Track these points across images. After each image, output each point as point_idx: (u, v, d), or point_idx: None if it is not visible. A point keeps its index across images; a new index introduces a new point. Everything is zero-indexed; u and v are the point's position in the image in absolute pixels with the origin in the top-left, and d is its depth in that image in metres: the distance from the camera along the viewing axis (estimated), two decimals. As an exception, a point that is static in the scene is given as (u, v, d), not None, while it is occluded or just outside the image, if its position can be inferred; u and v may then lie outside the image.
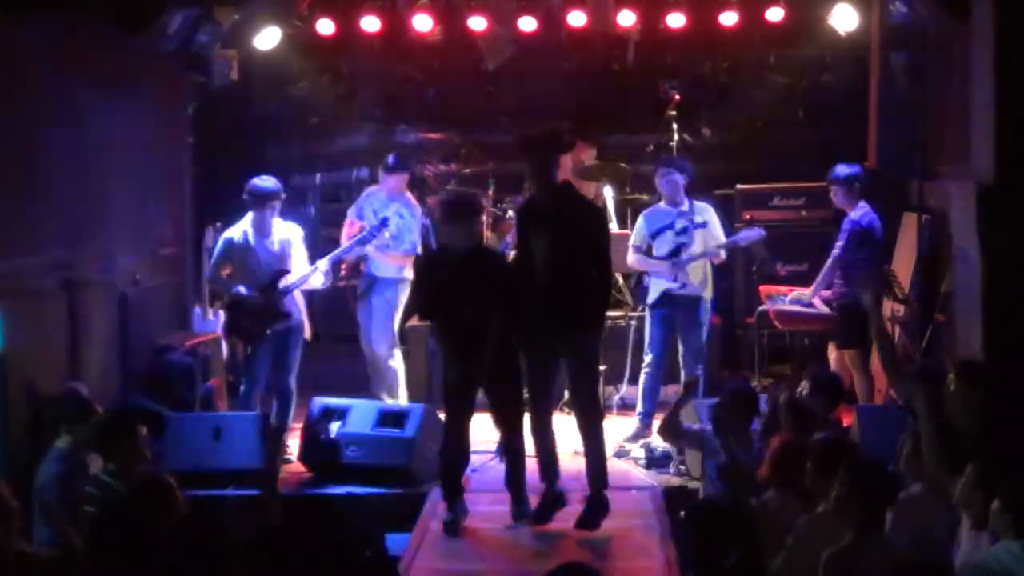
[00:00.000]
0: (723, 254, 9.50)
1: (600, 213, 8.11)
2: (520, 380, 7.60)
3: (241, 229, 8.98)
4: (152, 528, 5.07)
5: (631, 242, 9.44)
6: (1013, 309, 7.28)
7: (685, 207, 9.36)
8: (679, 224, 9.32)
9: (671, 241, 9.32)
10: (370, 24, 11.12)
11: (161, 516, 5.33)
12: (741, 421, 6.99)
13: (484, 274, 7.42)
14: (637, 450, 9.07)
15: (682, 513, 5.27)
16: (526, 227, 7.59)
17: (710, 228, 9.38)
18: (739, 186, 11.46)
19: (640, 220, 9.50)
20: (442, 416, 8.61)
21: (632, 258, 9.42)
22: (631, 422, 9.47)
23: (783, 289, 9.87)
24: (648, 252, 9.38)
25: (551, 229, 7.37)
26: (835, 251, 9.23)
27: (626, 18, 11.08)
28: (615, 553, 7.15)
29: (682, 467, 8.43)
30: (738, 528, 5.29)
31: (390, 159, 9.79)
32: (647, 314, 9.49)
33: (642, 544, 7.24)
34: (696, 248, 9.28)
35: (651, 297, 9.38)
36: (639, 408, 9.42)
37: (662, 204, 9.48)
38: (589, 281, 7.42)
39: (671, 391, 9.60)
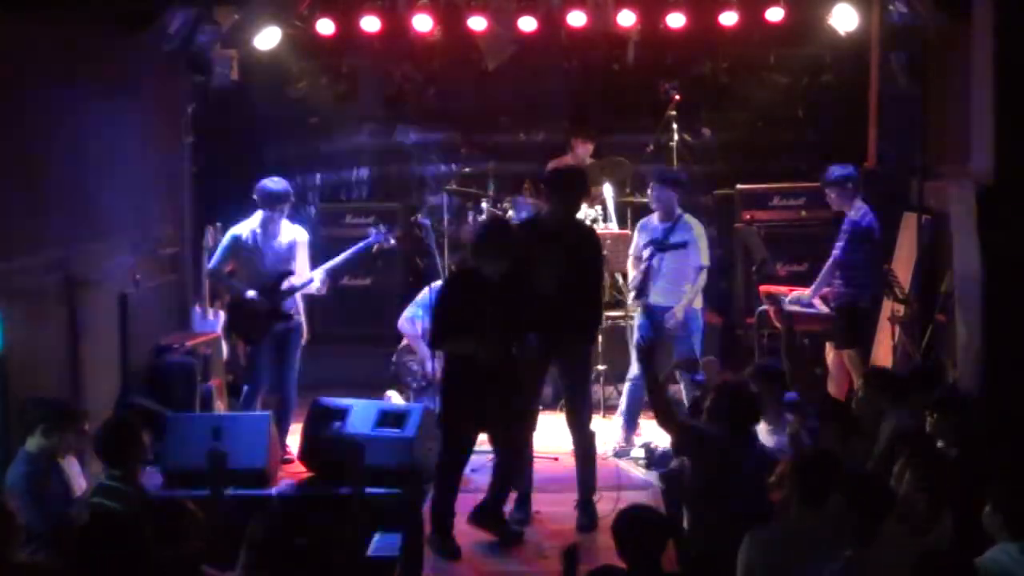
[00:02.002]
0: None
1: (595, 236, 8.39)
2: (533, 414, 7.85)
3: (249, 228, 9.01)
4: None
5: (631, 252, 9.47)
6: (1013, 309, 7.28)
7: (672, 223, 9.26)
8: (658, 241, 9.22)
9: (650, 256, 9.23)
10: (370, 24, 11.11)
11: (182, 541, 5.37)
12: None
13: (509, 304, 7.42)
14: (637, 450, 9.08)
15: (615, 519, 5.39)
16: (532, 246, 7.69)
17: (689, 248, 9.19)
18: (739, 186, 11.48)
19: (636, 231, 9.50)
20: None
21: (632, 262, 9.46)
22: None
23: (783, 289, 9.87)
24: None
25: (560, 251, 7.74)
26: (835, 251, 9.23)
27: (626, 18, 11.07)
28: (614, 553, 7.12)
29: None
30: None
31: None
32: (636, 321, 9.37)
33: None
34: (665, 267, 9.17)
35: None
36: (621, 409, 9.35)
37: (655, 217, 9.38)
38: (586, 297, 7.90)
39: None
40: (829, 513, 5.33)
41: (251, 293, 8.93)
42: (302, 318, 9.24)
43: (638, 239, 9.42)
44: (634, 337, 9.41)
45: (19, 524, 5.52)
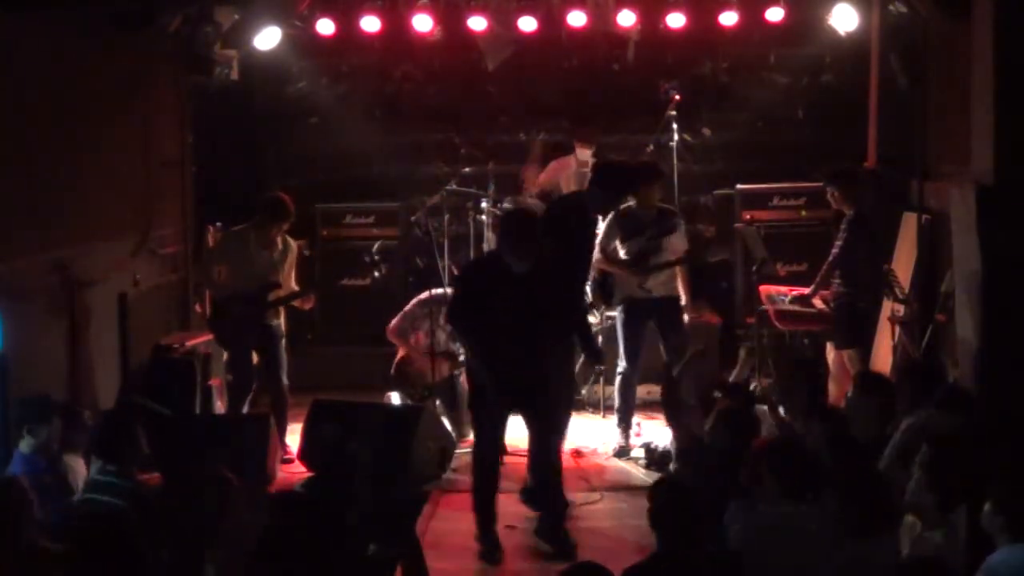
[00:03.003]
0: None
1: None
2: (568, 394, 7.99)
3: (245, 232, 9.00)
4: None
5: (599, 243, 9.16)
6: (1013, 309, 7.28)
7: (654, 213, 9.28)
8: (649, 231, 9.23)
9: (640, 247, 9.19)
10: (370, 24, 11.11)
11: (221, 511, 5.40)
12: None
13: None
14: (637, 450, 9.08)
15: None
16: (575, 231, 7.90)
17: (676, 235, 9.31)
18: (739, 186, 11.48)
19: (611, 222, 9.24)
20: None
21: (598, 258, 9.16)
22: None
23: (783, 289, 9.88)
24: (613, 254, 9.29)
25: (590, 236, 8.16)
26: (835, 251, 9.24)
27: (626, 18, 11.07)
28: (613, 553, 7.14)
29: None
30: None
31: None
32: (618, 318, 9.31)
33: (641, 544, 7.23)
34: (663, 256, 9.20)
35: (617, 300, 9.24)
36: (617, 406, 9.31)
37: (634, 206, 9.30)
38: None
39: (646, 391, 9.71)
40: (825, 508, 5.34)
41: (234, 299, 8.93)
42: (280, 320, 9.28)
43: (618, 231, 9.24)
44: (625, 335, 9.26)
45: (33, 504, 5.53)
